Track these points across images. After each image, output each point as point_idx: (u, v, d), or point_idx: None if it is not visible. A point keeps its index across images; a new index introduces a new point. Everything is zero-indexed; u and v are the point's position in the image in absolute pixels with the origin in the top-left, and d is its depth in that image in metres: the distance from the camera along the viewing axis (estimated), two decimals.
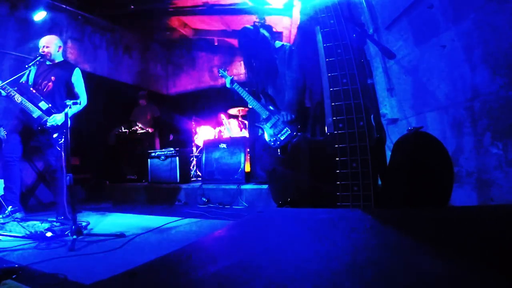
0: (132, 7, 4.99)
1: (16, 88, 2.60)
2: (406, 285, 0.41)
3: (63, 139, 2.52)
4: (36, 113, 2.61)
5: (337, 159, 0.96)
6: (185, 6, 5.08)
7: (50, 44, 2.81)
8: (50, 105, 2.65)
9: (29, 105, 2.59)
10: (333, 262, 0.49)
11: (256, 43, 2.69)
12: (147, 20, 5.67)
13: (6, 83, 2.51)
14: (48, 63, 2.81)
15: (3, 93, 2.53)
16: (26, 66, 2.65)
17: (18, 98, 2.55)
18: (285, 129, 2.66)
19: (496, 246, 0.51)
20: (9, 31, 4.10)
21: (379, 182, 0.95)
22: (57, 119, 2.63)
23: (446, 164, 0.90)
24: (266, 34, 2.73)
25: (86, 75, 3.09)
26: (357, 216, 0.78)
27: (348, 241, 0.59)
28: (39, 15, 4.30)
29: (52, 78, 2.77)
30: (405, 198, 0.93)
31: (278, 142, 2.67)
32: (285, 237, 0.67)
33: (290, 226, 0.77)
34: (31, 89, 2.65)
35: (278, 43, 2.88)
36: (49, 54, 2.78)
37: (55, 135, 2.66)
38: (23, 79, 2.71)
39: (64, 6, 4.74)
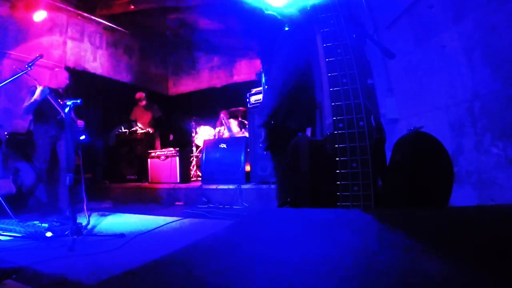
0: (132, 7, 4.99)
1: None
2: (407, 285, 0.41)
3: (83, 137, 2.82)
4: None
5: (337, 159, 0.96)
6: (185, 6, 5.08)
7: None
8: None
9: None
10: (332, 262, 0.49)
11: (262, 31, 2.29)
12: (147, 20, 5.67)
13: (5, 83, 2.51)
14: None
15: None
16: (26, 66, 2.66)
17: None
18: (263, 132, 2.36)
19: (496, 246, 0.51)
20: (9, 31, 4.10)
21: (379, 182, 0.95)
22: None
23: (446, 164, 0.90)
24: (274, 16, 2.28)
25: (86, 75, 3.11)
26: (357, 216, 0.78)
27: (347, 241, 0.59)
28: (39, 15, 4.30)
29: None
30: (405, 198, 0.93)
31: (260, 145, 2.46)
32: (284, 238, 0.67)
33: (289, 226, 0.77)
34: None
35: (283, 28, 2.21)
36: None
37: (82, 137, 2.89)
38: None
39: (64, 6, 4.74)
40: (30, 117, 3.14)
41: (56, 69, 3.45)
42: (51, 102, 2.86)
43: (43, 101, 2.88)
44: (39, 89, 2.86)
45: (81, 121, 3.08)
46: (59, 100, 2.94)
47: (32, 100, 2.88)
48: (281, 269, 0.48)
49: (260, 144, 2.48)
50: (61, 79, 3.24)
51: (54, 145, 3.06)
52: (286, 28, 2.19)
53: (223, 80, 6.62)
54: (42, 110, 2.98)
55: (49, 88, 2.92)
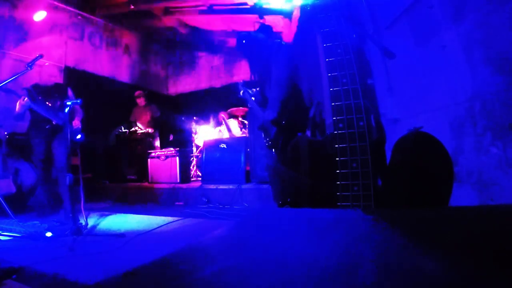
0: (132, 7, 4.99)
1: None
2: (406, 285, 0.41)
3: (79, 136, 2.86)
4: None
5: (337, 159, 0.96)
6: (185, 6, 5.08)
7: None
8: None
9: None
10: (333, 263, 0.49)
11: (251, 47, 2.67)
12: (147, 20, 5.67)
13: (5, 83, 2.51)
14: None
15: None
16: (26, 66, 2.65)
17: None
18: (271, 129, 2.57)
19: (496, 246, 0.51)
20: (9, 31, 4.10)
21: (379, 182, 0.95)
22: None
23: (446, 164, 0.90)
24: (261, 36, 2.69)
25: (86, 75, 3.10)
26: (357, 216, 0.78)
27: (348, 241, 0.59)
28: (39, 15, 4.30)
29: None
30: (405, 198, 0.93)
31: (270, 143, 2.60)
32: (284, 238, 0.67)
33: (289, 226, 0.77)
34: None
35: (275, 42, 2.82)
36: None
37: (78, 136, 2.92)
38: None
39: (64, 6, 4.75)
40: (29, 117, 3.12)
41: (46, 64, 3.34)
42: (37, 111, 2.84)
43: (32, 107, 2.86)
44: (17, 103, 2.78)
45: (77, 123, 3.05)
46: (47, 103, 2.92)
47: (15, 114, 2.84)
48: (282, 269, 0.48)
49: (266, 139, 2.55)
50: (45, 76, 3.14)
51: (48, 146, 3.05)
52: (278, 40, 2.52)
53: (223, 80, 6.62)
54: (35, 114, 2.97)
55: (30, 98, 2.80)
